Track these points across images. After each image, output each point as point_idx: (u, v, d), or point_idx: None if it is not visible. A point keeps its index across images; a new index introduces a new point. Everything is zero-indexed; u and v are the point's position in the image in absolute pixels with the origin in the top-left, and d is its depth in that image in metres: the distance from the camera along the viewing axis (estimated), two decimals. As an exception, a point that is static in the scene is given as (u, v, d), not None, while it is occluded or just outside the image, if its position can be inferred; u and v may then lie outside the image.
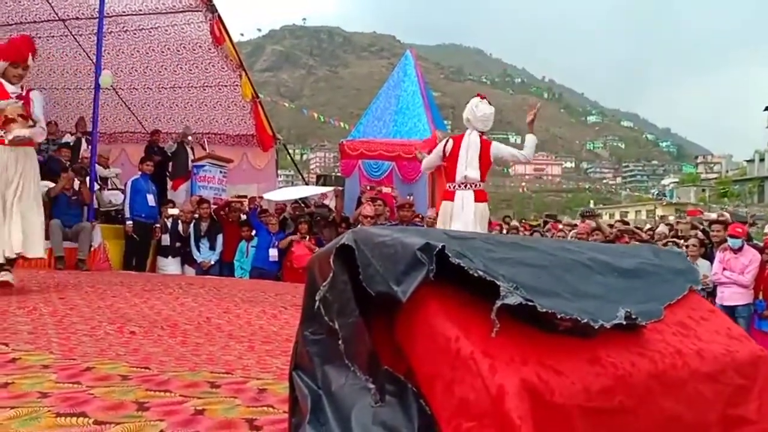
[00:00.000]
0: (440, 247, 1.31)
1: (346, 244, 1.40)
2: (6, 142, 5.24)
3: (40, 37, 4.74)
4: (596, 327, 1.37)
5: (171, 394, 2.22)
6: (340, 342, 1.40)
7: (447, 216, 6.13)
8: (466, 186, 6.02)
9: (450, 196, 6.13)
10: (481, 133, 6.14)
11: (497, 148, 6.15)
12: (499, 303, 1.26)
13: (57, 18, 11.41)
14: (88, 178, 8.96)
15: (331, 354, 1.47)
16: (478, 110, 6.14)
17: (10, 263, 5.31)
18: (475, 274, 1.30)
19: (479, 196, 6.03)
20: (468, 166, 5.99)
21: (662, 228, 11.78)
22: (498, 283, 1.29)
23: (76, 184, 8.76)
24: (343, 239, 1.41)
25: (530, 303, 1.29)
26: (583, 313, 1.37)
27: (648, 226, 15.66)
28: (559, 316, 1.33)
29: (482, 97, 6.32)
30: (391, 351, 1.40)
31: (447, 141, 6.35)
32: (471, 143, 6.04)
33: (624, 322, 1.45)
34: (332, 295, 1.40)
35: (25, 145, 5.37)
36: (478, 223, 5.96)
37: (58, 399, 2.09)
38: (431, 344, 1.31)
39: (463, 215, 5.97)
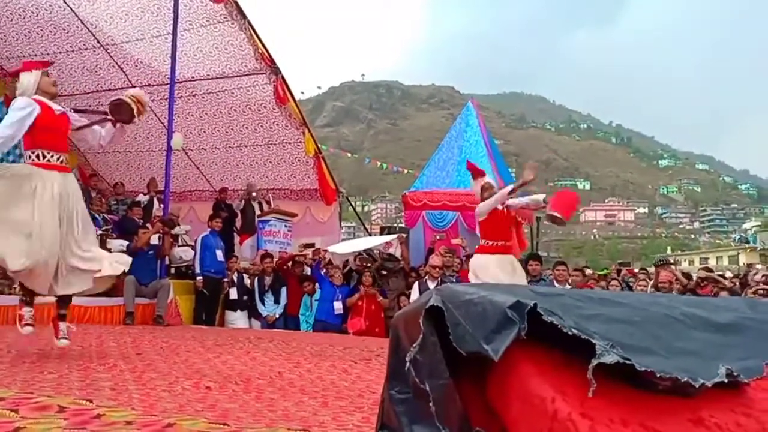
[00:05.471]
0: (532, 305, 1.28)
1: (434, 305, 1.38)
2: None
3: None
4: (697, 386, 1.31)
5: (251, 452, 2.21)
6: (430, 404, 1.37)
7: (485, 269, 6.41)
8: None
9: (491, 251, 6.47)
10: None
11: (514, 202, 6.43)
12: (595, 362, 1.22)
13: (131, 85, 11.93)
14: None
15: (418, 414, 1.44)
16: None
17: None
18: (569, 332, 1.27)
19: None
20: None
21: (759, 276, 11.28)
22: (593, 341, 1.25)
23: (155, 238, 9.00)
24: (430, 300, 1.40)
25: (628, 361, 1.24)
26: (681, 372, 1.31)
27: (729, 273, 14.95)
28: (658, 375, 1.28)
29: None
30: (482, 411, 1.37)
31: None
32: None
33: (726, 380, 1.37)
34: (423, 357, 1.39)
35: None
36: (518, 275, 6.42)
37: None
38: (526, 405, 1.28)
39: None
